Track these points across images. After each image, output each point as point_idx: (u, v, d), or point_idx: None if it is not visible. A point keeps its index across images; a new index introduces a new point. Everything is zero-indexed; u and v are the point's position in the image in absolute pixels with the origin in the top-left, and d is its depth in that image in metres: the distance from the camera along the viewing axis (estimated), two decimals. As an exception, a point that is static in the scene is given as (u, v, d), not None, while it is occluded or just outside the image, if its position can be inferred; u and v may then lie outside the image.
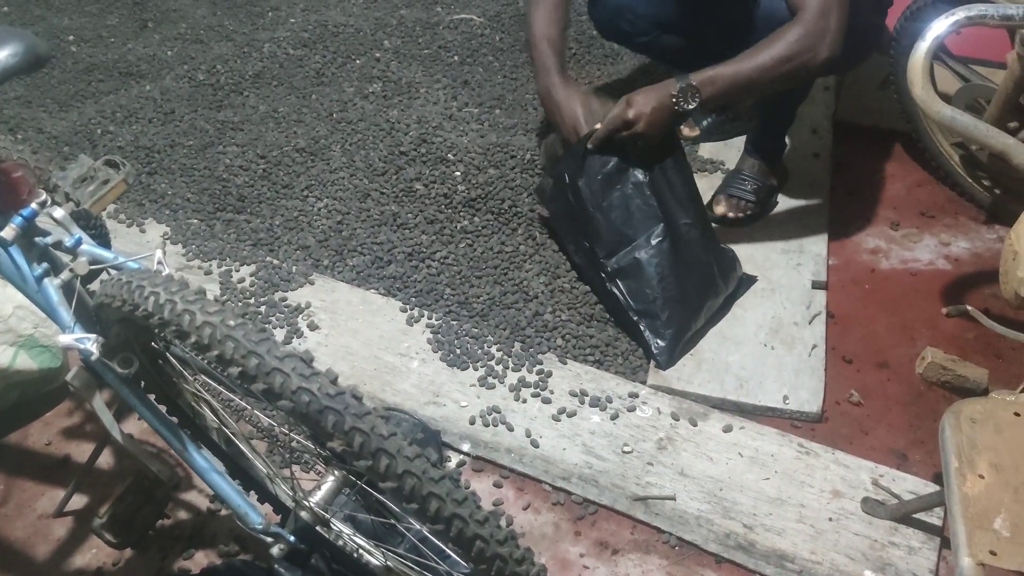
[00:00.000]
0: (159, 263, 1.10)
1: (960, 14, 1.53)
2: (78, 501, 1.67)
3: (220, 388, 1.35)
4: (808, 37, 1.70)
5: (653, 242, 1.85)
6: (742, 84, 1.75)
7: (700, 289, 1.87)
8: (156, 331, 0.97)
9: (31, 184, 1.17)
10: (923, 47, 1.54)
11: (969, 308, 1.61)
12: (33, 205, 1.13)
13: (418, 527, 1.30)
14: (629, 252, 1.86)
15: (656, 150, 1.85)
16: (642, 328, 1.84)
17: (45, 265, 1.17)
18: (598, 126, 1.83)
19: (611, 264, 1.86)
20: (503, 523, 0.97)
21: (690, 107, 1.76)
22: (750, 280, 1.99)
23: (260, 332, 0.90)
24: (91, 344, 1.08)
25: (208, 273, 2.08)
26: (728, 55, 1.78)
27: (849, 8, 1.71)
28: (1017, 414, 1.25)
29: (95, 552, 1.59)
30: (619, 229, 1.86)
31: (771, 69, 1.72)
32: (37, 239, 1.17)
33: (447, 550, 1.26)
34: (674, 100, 1.76)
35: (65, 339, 1.10)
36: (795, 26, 1.72)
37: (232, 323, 0.90)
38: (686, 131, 2.37)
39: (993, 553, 1.07)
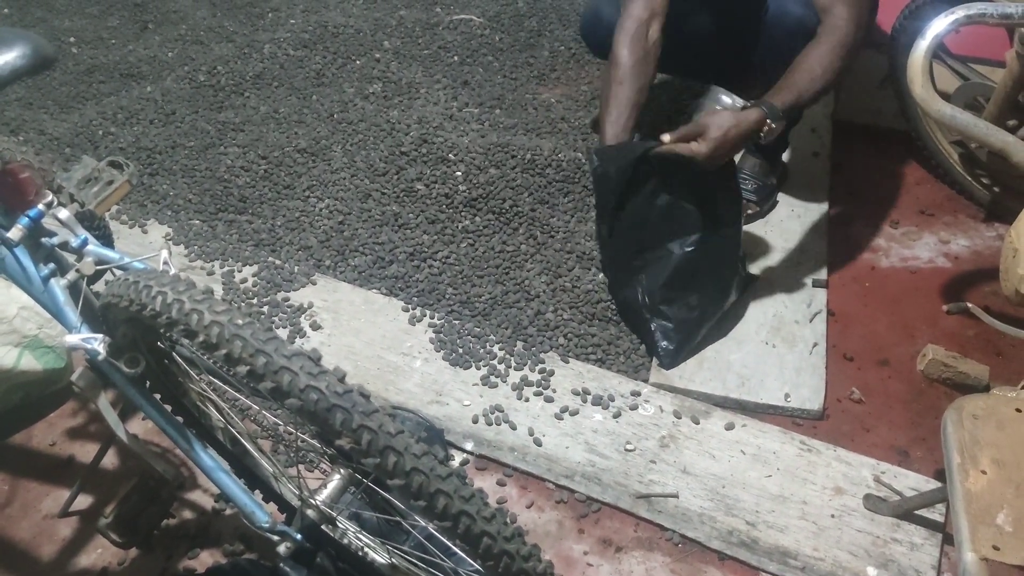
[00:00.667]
0: (165, 263, 1.11)
1: (959, 12, 1.54)
2: (83, 501, 1.67)
3: (226, 388, 1.35)
4: (853, 48, 1.74)
5: (686, 249, 1.83)
6: (811, 100, 1.75)
7: (715, 298, 1.88)
8: (163, 330, 0.97)
9: (38, 185, 1.17)
10: (923, 45, 1.55)
11: (969, 305, 1.62)
12: (39, 206, 1.14)
13: (424, 525, 1.31)
14: (658, 252, 1.85)
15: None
16: (653, 328, 1.84)
17: (51, 265, 1.18)
18: (665, 137, 1.72)
19: (638, 260, 1.86)
20: (510, 520, 0.97)
21: (775, 132, 1.72)
22: (752, 279, 2.00)
23: (267, 331, 0.91)
24: (98, 344, 1.08)
25: (211, 274, 2.09)
26: (731, 63, 1.79)
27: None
28: (1019, 410, 1.25)
29: (100, 552, 1.60)
30: (656, 228, 1.84)
31: (829, 81, 1.74)
32: (43, 239, 1.17)
33: (453, 547, 1.27)
34: (763, 133, 1.70)
35: (72, 339, 1.10)
36: (837, 37, 1.72)
37: (240, 322, 0.90)
38: None
39: (996, 548, 1.08)
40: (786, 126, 2.13)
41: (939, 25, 1.55)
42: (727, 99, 1.86)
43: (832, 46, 1.73)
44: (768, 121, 1.69)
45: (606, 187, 1.84)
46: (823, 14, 1.76)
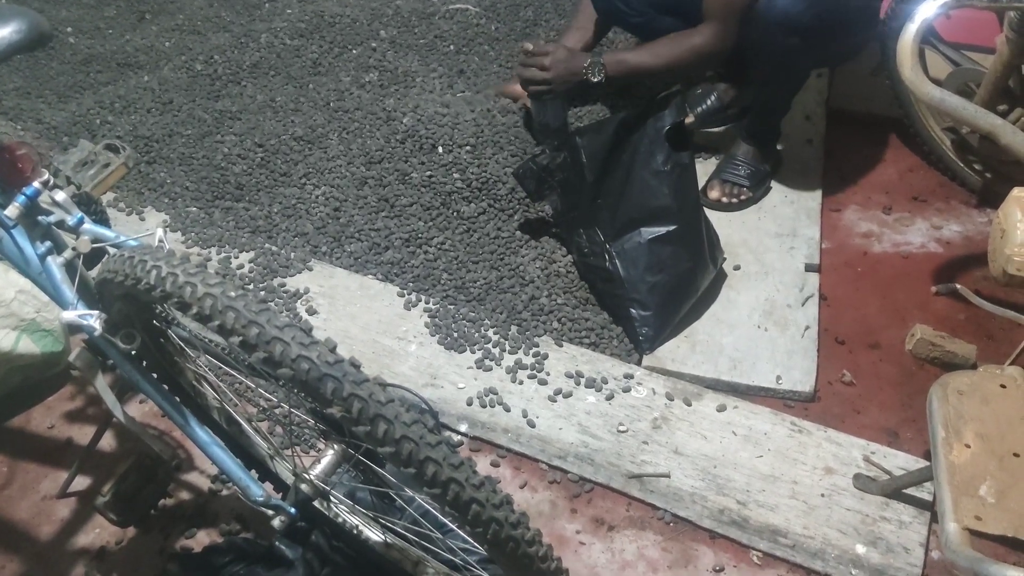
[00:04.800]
0: (160, 240, 1.12)
1: (948, -4, 1.55)
2: (81, 482, 1.69)
3: (222, 367, 1.37)
4: (705, 47, 2.00)
5: (658, 231, 1.86)
6: (642, 72, 2.07)
7: (690, 280, 1.89)
8: (158, 304, 0.99)
9: (34, 162, 1.18)
10: (912, 29, 1.56)
11: (958, 286, 1.63)
12: (36, 184, 1.15)
13: (417, 500, 1.32)
14: (632, 237, 1.87)
15: (675, 141, 1.86)
16: (632, 314, 1.85)
17: (48, 244, 1.19)
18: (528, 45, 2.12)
19: (615, 246, 1.87)
20: (499, 489, 0.98)
21: (594, 80, 2.05)
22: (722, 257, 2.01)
23: (260, 303, 0.92)
24: (94, 320, 1.10)
25: (207, 260, 2.10)
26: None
27: (739, 24, 1.96)
28: (1003, 386, 1.27)
29: (98, 531, 1.62)
30: (629, 213, 1.87)
31: (669, 66, 2.04)
32: (40, 218, 1.18)
33: (446, 522, 1.29)
34: (584, 69, 2.05)
35: (68, 315, 1.12)
36: (698, 36, 1.99)
37: (233, 294, 0.92)
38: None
39: (978, 518, 1.09)
40: (776, 111, 2.16)
41: (928, 9, 1.57)
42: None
43: (686, 43, 2.01)
44: (589, 59, 2.04)
45: (573, 177, 1.90)
46: (703, 19, 1.99)
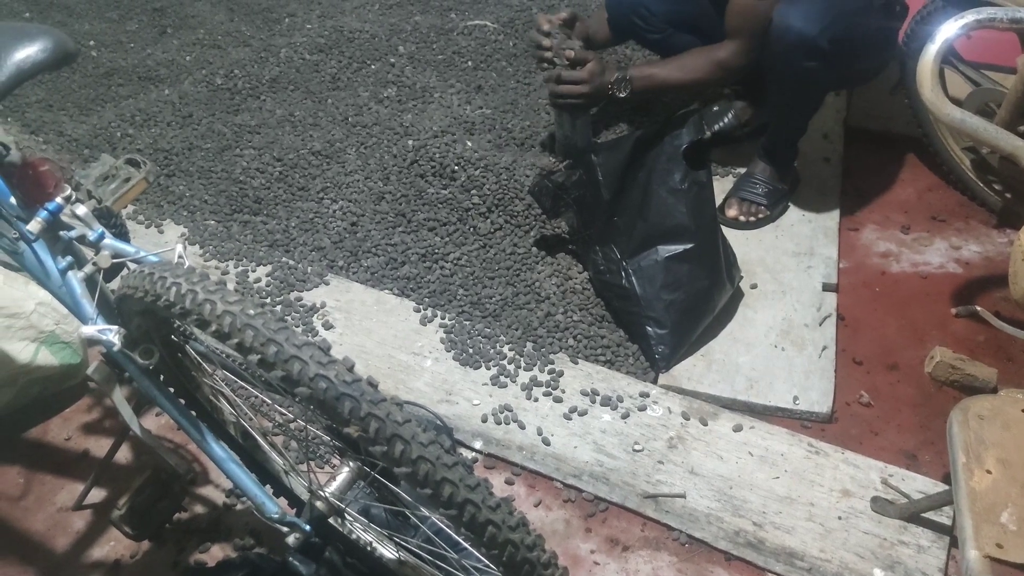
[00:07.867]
0: (180, 256, 1.13)
1: (969, 17, 1.54)
2: (97, 495, 1.70)
3: (239, 382, 1.37)
4: (730, 62, 2.00)
5: (675, 249, 1.85)
6: (668, 86, 2.07)
7: (707, 299, 1.88)
8: (177, 320, 0.99)
9: (57, 179, 1.19)
10: (932, 50, 1.55)
11: (978, 308, 1.62)
12: (58, 199, 1.16)
13: (432, 519, 1.32)
14: (650, 255, 1.87)
15: (692, 159, 1.86)
16: (648, 332, 1.85)
17: (69, 258, 1.20)
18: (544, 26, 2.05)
19: (632, 264, 1.87)
20: (515, 510, 0.98)
21: (621, 95, 2.03)
22: (739, 276, 2.00)
23: (279, 321, 0.92)
24: (113, 335, 1.10)
25: (225, 274, 2.12)
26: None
27: (760, 39, 1.95)
28: (1025, 411, 1.26)
29: (113, 544, 1.62)
30: (646, 230, 1.87)
31: (695, 80, 2.05)
32: (61, 233, 1.19)
33: (460, 541, 1.28)
34: (611, 86, 2.01)
35: (88, 330, 1.12)
36: (723, 51, 1.99)
37: (252, 312, 0.92)
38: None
39: (1000, 546, 1.08)
40: (793, 132, 2.16)
41: (949, 29, 1.56)
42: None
43: (711, 57, 2.01)
44: (616, 75, 2.01)
45: (590, 194, 1.90)
46: (726, 36, 1.99)
